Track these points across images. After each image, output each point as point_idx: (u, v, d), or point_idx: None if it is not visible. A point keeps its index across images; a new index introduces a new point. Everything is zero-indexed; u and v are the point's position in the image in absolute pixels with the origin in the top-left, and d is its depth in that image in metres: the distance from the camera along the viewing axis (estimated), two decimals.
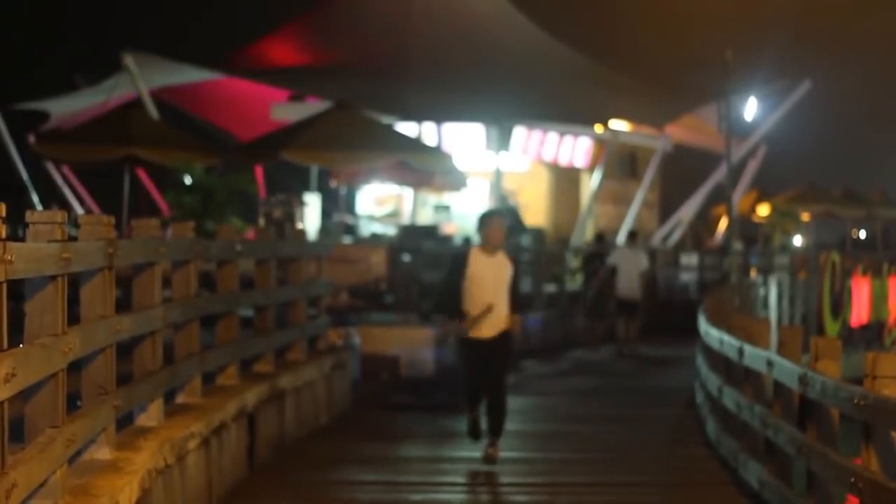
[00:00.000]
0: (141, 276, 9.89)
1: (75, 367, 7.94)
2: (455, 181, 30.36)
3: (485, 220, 12.82)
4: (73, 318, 7.77)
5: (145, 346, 9.85)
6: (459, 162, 30.69)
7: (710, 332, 14.58)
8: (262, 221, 25.51)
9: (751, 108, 36.93)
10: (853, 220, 45.27)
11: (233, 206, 23.80)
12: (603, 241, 30.99)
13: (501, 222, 12.91)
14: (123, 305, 9.68)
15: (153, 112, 31.19)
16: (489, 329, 12.61)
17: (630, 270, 25.10)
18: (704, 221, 43.34)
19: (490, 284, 12.59)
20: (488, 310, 12.55)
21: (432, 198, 34.65)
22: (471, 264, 12.62)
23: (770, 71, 38.47)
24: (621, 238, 34.50)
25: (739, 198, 39.96)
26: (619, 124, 36.35)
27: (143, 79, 31.91)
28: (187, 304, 11.03)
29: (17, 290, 6.92)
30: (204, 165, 25.30)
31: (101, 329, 8.28)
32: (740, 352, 11.79)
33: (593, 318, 26.92)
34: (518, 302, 12.91)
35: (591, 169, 37.24)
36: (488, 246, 12.74)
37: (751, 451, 11.25)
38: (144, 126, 27.80)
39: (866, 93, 50.25)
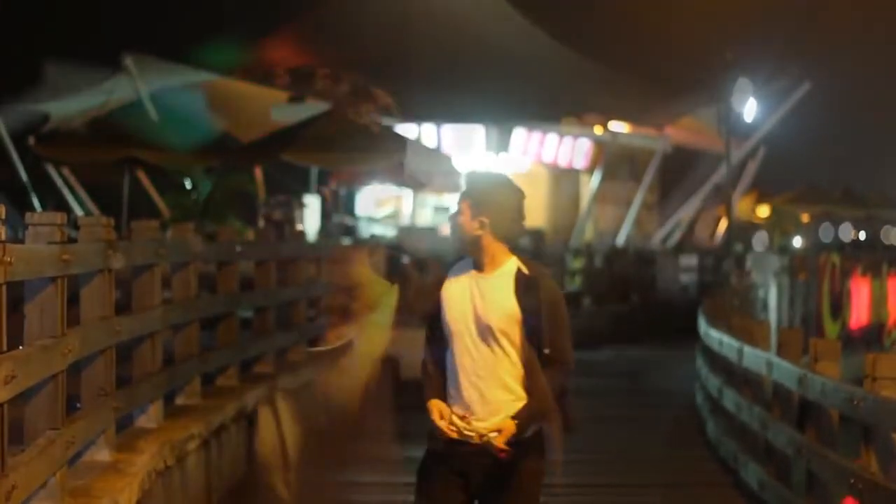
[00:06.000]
0: (141, 277, 9.90)
1: (75, 369, 7.93)
2: (455, 182, 30.32)
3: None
4: (73, 320, 7.77)
5: (145, 347, 9.85)
6: (459, 163, 30.67)
7: (710, 334, 14.58)
8: (261, 223, 25.50)
9: (750, 109, 36.93)
10: (853, 220, 45.25)
11: (232, 207, 23.79)
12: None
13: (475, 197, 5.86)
14: (123, 307, 9.69)
15: (153, 113, 31.14)
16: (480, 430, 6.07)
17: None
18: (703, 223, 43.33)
19: (467, 338, 5.96)
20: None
21: (432, 199, 34.64)
22: (443, 298, 6.03)
23: (770, 72, 38.47)
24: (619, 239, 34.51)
25: (739, 199, 39.96)
26: (618, 125, 36.32)
27: (142, 80, 31.87)
28: (187, 306, 11.04)
29: (17, 292, 6.92)
30: (203, 167, 25.26)
31: (100, 331, 8.28)
32: (740, 353, 11.79)
33: None
34: (552, 384, 5.94)
35: (590, 170, 37.22)
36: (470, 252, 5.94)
37: (751, 452, 11.25)
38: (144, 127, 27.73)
39: (865, 94, 50.28)
